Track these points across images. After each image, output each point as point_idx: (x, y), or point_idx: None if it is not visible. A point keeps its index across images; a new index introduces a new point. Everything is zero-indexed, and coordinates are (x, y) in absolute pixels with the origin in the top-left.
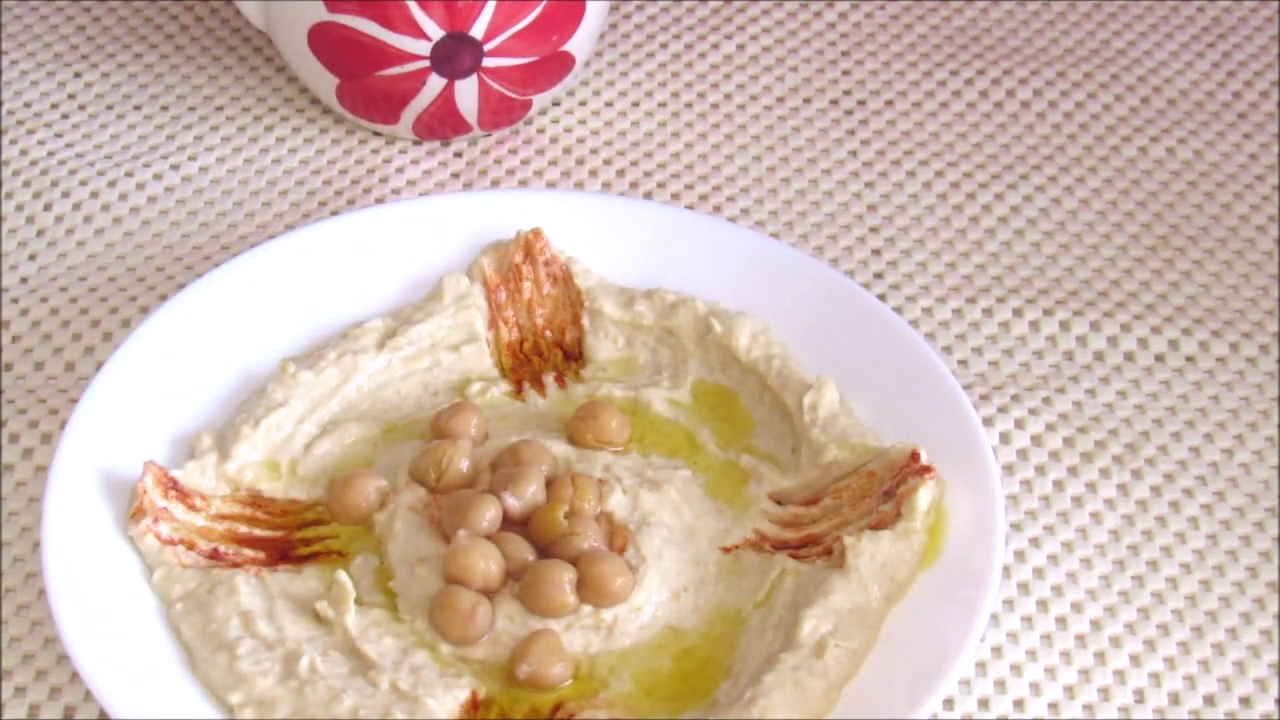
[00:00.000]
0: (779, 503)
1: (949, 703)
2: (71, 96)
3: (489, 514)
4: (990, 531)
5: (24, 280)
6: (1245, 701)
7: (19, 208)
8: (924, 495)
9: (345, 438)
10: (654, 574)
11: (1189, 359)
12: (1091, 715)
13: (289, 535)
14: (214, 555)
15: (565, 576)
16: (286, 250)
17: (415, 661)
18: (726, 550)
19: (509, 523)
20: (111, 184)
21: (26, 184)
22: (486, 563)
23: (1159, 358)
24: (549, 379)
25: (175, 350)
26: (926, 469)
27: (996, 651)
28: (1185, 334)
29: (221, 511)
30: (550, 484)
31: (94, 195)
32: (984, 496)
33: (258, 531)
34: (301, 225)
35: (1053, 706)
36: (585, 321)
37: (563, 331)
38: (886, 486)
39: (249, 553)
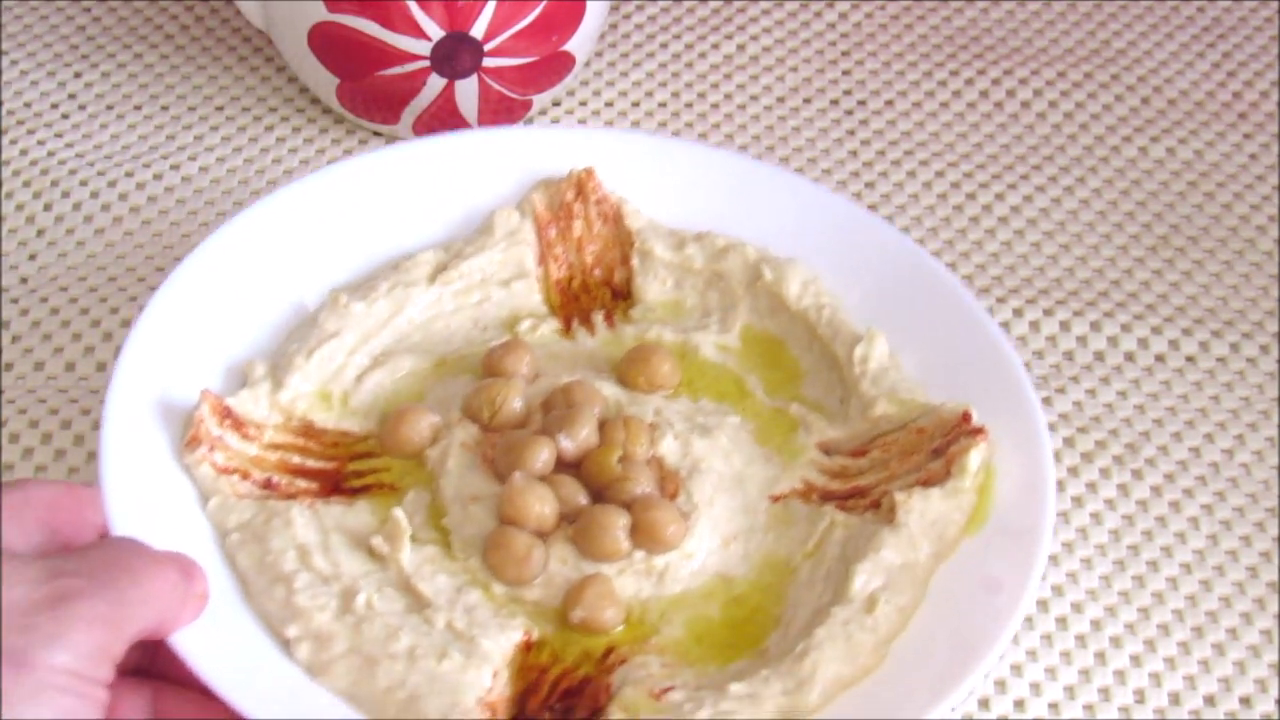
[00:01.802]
0: (827, 452)
1: None
2: (72, 96)
3: (544, 456)
4: (1041, 491)
5: (24, 280)
6: (1245, 701)
7: (19, 208)
8: (975, 456)
9: (396, 370)
10: (705, 521)
11: (1189, 359)
12: (1092, 715)
13: (340, 467)
14: (268, 485)
15: (620, 522)
16: (339, 179)
17: (469, 601)
18: (775, 499)
19: (562, 465)
20: (112, 184)
21: (26, 184)
22: (541, 505)
23: (1159, 358)
24: (598, 318)
25: (228, 278)
26: (979, 430)
27: None
28: (1185, 334)
29: (274, 441)
30: (603, 427)
31: (94, 195)
32: (1033, 457)
33: (310, 462)
34: (357, 152)
35: (1053, 707)
36: (635, 262)
37: (611, 271)
38: (936, 444)
39: (302, 483)
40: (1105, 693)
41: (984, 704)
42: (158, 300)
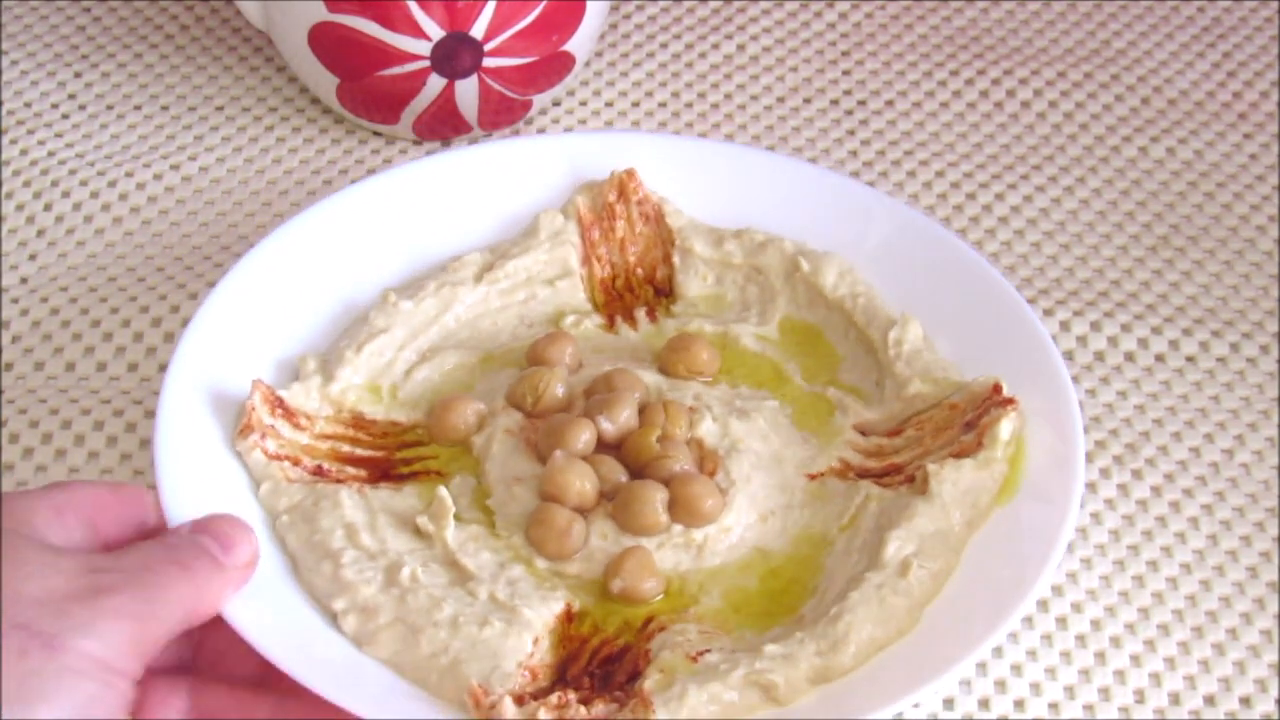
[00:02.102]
0: (863, 433)
1: (949, 702)
2: (72, 96)
3: (584, 436)
4: (1071, 462)
5: (24, 280)
6: (1245, 701)
7: (19, 207)
8: (1006, 426)
9: (444, 364)
10: (742, 497)
11: (1189, 359)
12: (1092, 715)
13: (389, 455)
14: (318, 472)
15: (658, 496)
16: (388, 185)
17: (512, 575)
18: (812, 477)
19: (603, 446)
20: (112, 184)
21: (27, 184)
22: (581, 481)
23: (1159, 358)
24: (640, 313)
25: (281, 278)
26: (1009, 400)
27: (997, 652)
28: (1185, 334)
29: (325, 431)
30: (643, 410)
31: (94, 195)
32: (1064, 429)
33: (360, 451)
34: (401, 161)
35: (1053, 706)
36: (676, 259)
37: (654, 269)
38: (968, 418)
39: (351, 470)
40: (1105, 692)
41: (984, 704)
42: (214, 296)
